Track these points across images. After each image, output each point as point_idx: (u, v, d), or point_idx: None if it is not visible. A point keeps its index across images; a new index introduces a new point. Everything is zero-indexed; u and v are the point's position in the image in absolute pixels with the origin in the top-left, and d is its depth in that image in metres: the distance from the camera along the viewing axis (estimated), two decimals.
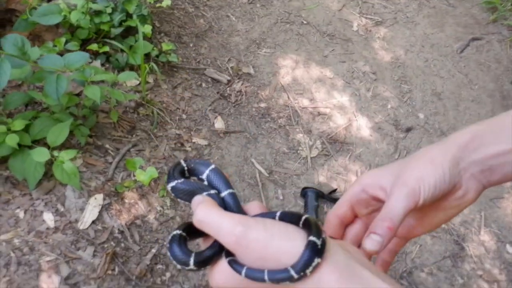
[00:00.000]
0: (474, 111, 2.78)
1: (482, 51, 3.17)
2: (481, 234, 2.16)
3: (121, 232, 1.75)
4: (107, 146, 1.94)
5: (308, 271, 0.52)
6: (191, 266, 0.58)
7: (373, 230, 0.65)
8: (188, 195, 0.63)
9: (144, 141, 2.04)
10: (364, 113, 2.61)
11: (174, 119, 2.20)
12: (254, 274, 0.54)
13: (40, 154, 1.60)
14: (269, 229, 0.55)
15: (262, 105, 2.47)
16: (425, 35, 3.23)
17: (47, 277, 1.56)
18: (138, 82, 2.20)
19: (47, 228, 1.65)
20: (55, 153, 1.65)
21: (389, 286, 0.53)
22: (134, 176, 1.85)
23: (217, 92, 2.43)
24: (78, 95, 2.01)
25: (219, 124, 2.30)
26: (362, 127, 2.53)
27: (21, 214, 1.65)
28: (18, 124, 1.66)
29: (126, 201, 1.83)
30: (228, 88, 2.48)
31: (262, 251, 0.54)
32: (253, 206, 0.64)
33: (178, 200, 0.67)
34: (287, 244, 0.54)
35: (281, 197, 2.12)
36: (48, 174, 1.75)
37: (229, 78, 2.51)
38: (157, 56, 2.33)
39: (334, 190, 2.18)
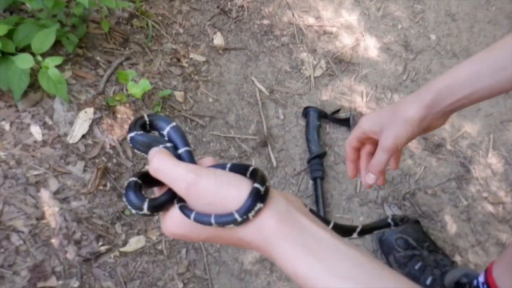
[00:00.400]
0: (489, 32, 2.62)
1: None
2: (489, 156, 2.07)
3: (113, 147, 1.67)
4: (98, 58, 1.83)
5: (250, 214, 0.57)
6: (145, 211, 0.62)
7: (370, 170, 1.01)
8: (146, 147, 0.67)
9: (138, 54, 1.93)
10: (373, 33, 2.46)
11: (171, 33, 2.07)
12: (201, 218, 0.59)
13: (24, 61, 1.50)
14: (218, 178, 0.60)
15: (265, 22, 2.33)
16: None
17: (36, 191, 1.50)
18: None
19: (35, 142, 1.58)
20: (40, 58, 1.54)
21: (322, 230, 0.59)
22: (126, 90, 1.75)
23: (217, 7, 2.28)
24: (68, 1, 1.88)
25: (218, 40, 2.17)
26: (370, 47, 2.39)
27: (7, 127, 1.57)
28: (1, 29, 1.54)
29: (118, 116, 1.75)
30: (229, 3, 2.32)
31: (210, 198, 0.59)
32: (206, 160, 0.68)
33: (136, 151, 0.69)
34: (234, 192, 0.59)
35: (281, 117, 2.03)
36: (35, 86, 1.66)
37: None
38: None
39: (338, 110, 2.08)
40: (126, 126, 1.73)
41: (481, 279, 1.43)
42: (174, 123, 0.70)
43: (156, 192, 0.68)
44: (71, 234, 1.45)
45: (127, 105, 1.77)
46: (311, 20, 2.42)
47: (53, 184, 1.53)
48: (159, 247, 1.56)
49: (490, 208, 1.92)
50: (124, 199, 0.69)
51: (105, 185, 1.59)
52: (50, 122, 1.62)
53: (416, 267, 1.65)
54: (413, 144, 2.06)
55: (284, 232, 0.58)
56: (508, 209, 1.92)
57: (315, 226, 0.59)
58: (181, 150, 0.68)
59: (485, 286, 1.41)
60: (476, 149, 2.09)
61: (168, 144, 0.67)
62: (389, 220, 0.99)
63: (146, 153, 0.67)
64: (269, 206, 0.59)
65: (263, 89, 2.09)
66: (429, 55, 2.44)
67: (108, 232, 1.51)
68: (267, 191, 0.59)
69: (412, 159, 2.01)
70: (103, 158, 1.64)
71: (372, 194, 1.88)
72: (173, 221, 0.63)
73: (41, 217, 1.46)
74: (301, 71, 2.21)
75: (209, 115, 1.93)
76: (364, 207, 1.87)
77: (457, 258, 1.81)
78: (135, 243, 1.52)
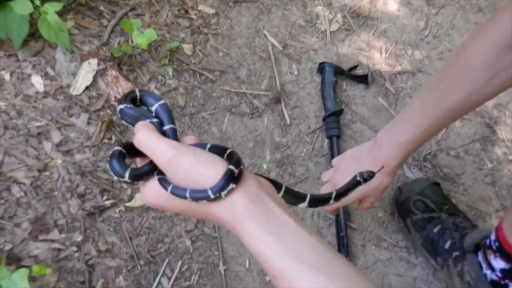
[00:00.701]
0: None
1: None
2: None
3: (118, 100, 1.59)
4: (102, 8, 1.74)
5: (223, 193, 0.63)
6: (126, 178, 0.67)
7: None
8: (133, 120, 0.71)
9: (144, 5, 1.83)
10: None
11: None
12: (178, 191, 0.64)
13: (22, 6, 1.41)
14: (197, 157, 0.65)
15: None
16: None
17: (37, 142, 1.44)
18: None
19: (36, 92, 1.51)
20: (38, 3, 1.46)
21: (288, 215, 0.64)
22: (132, 41, 1.66)
23: None
24: None
25: None
26: (389, 1, 2.26)
27: (7, 77, 1.50)
28: None
29: (124, 67, 1.66)
30: None
31: (188, 174, 0.64)
32: (188, 139, 0.71)
33: (123, 122, 0.73)
34: (210, 171, 0.64)
35: (295, 72, 1.93)
36: (36, 35, 1.58)
37: None
38: None
39: (355, 67, 1.97)
40: (132, 79, 1.65)
41: (493, 237, 1.34)
42: (163, 101, 0.75)
43: (139, 162, 0.72)
44: (74, 187, 1.38)
45: (133, 57, 1.69)
46: None
47: (56, 136, 1.46)
48: None
49: None
50: (107, 166, 0.76)
51: (110, 138, 1.51)
52: (52, 73, 1.55)
53: (435, 230, 1.56)
54: None
55: (251, 213, 0.63)
56: None
57: (281, 211, 0.64)
58: (166, 127, 0.72)
59: (496, 243, 1.32)
60: (503, 109, 1.97)
61: (155, 120, 0.71)
62: (358, 178, 1.01)
63: (133, 125, 0.70)
64: (241, 187, 0.64)
65: (276, 43, 1.98)
66: (452, 9, 2.31)
67: (113, 186, 1.44)
68: (240, 173, 0.64)
69: None
70: (108, 111, 1.57)
71: None
72: (151, 191, 0.67)
73: (43, 169, 1.39)
74: (316, 25, 2.10)
75: (219, 69, 1.84)
76: None
77: (480, 223, 1.71)
78: (141, 202, 1.45)
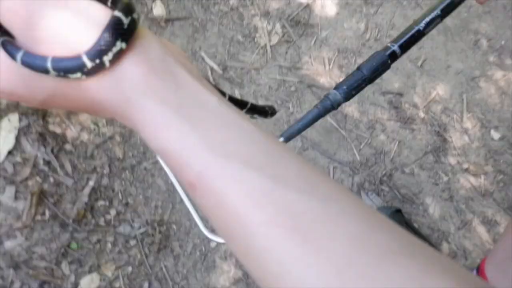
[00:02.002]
0: None
1: None
2: (464, 121, 1.95)
3: (48, 162, 1.41)
4: None
5: (106, 58, 0.39)
6: None
7: None
8: None
9: None
10: None
11: None
12: (33, 61, 0.39)
13: None
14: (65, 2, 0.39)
15: None
16: None
17: None
18: None
19: None
20: None
21: (208, 92, 0.40)
22: None
23: None
24: None
25: (158, 10, 1.87)
26: (327, 3, 2.15)
27: None
28: None
29: (50, 120, 1.47)
30: None
31: (50, 30, 0.39)
32: None
33: None
34: (83, 23, 0.39)
35: None
36: None
37: None
38: None
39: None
40: (61, 133, 1.46)
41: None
42: None
43: None
44: (8, 286, 1.21)
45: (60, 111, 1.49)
46: None
47: None
48: (117, 285, 1.35)
49: (472, 180, 1.82)
50: None
51: (43, 214, 1.34)
52: None
53: None
54: (384, 116, 1.90)
55: (153, 87, 0.39)
56: (490, 179, 1.82)
57: (199, 86, 0.40)
58: None
59: None
60: (450, 114, 1.96)
61: None
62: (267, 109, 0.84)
63: None
64: (136, 49, 0.40)
65: (215, 66, 1.83)
66: (390, 7, 2.24)
67: (54, 275, 1.28)
68: (133, 25, 0.40)
69: (384, 133, 1.86)
70: (37, 178, 1.38)
71: (347, 181, 1.72)
72: None
73: None
74: (255, 39, 1.96)
75: None
76: None
77: (445, 246, 1.71)
78: (88, 283, 1.30)
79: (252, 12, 2.02)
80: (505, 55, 2.15)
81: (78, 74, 0.39)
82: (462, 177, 1.83)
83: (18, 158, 1.38)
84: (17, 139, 1.40)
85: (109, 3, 0.41)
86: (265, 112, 0.68)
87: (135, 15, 0.41)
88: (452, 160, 1.86)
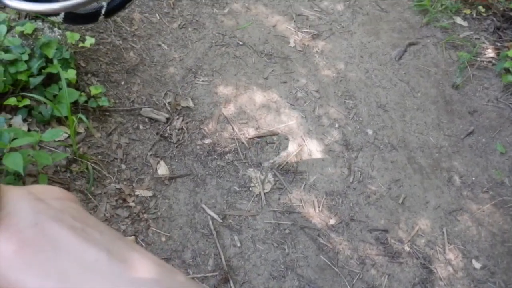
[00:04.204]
0: (420, 120, 2.75)
1: (420, 56, 3.16)
2: (446, 252, 2.11)
3: None
4: None
5: None
6: None
7: None
8: None
9: (81, 203, 1.83)
10: (313, 136, 2.51)
11: (113, 171, 2.00)
12: None
13: None
14: None
15: (207, 141, 2.32)
16: (362, 45, 3.17)
17: None
18: (66, 135, 1.99)
19: None
20: None
21: (98, 250, 0.38)
22: None
23: (157, 133, 2.25)
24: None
25: (162, 170, 2.12)
26: (313, 151, 2.43)
27: None
28: None
29: None
30: (168, 127, 2.30)
31: None
32: None
33: None
34: None
35: (238, 244, 1.98)
36: None
37: (167, 115, 2.34)
38: (86, 101, 2.12)
39: None
40: None
41: None
42: None
43: None
44: None
45: None
46: (251, 131, 2.44)
47: None
48: None
49: None
50: None
51: None
52: None
53: None
54: (373, 252, 2.06)
55: (27, 262, 0.36)
56: None
57: (84, 243, 0.38)
58: None
59: None
60: (433, 246, 2.12)
61: None
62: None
63: None
64: (3, 220, 0.38)
65: (215, 216, 2.04)
66: (369, 151, 2.51)
67: None
68: None
69: (374, 268, 2.01)
70: None
71: None
72: None
73: None
74: (250, 188, 2.19)
75: (163, 256, 1.85)
76: None
77: None
78: None
79: (246, 165, 2.28)
80: (477, 190, 2.37)
81: None
82: None
83: None
84: None
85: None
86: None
87: None
88: None
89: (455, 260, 2.08)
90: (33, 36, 2.05)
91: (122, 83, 2.40)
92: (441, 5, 3.46)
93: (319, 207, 2.18)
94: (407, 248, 2.09)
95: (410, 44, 3.23)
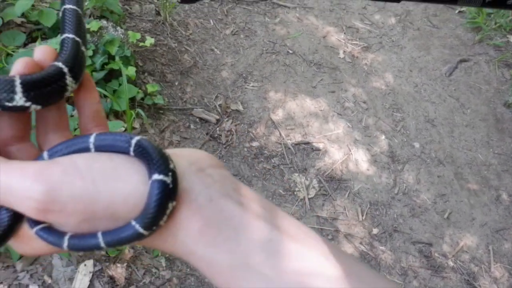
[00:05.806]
0: (469, 136, 2.72)
1: (471, 73, 3.13)
2: (492, 270, 2.07)
3: None
4: None
5: (162, 222, 0.38)
6: None
7: None
8: None
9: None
10: (359, 146, 2.52)
11: None
12: (85, 243, 0.38)
13: None
14: (87, 176, 0.37)
15: (254, 144, 2.36)
16: (412, 59, 3.17)
17: None
18: (124, 129, 2.07)
19: None
20: None
21: (270, 229, 0.40)
22: None
23: (207, 133, 2.32)
24: None
25: None
26: (359, 161, 2.44)
27: None
28: None
29: (119, 265, 1.69)
30: (217, 128, 2.36)
31: (87, 210, 0.37)
32: (50, 119, 0.43)
33: None
34: (120, 187, 0.38)
35: None
36: None
37: (218, 117, 2.40)
38: (142, 99, 2.21)
39: None
40: (127, 276, 1.67)
41: None
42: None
43: None
44: None
45: (126, 251, 1.72)
46: (298, 137, 2.47)
47: None
48: None
49: None
50: None
51: None
52: (49, 281, 1.56)
53: None
54: (415, 264, 2.05)
55: (211, 242, 0.39)
56: None
57: (250, 216, 0.40)
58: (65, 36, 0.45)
59: None
60: (478, 263, 2.09)
61: None
62: None
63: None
64: (185, 200, 0.39)
65: None
66: (416, 164, 2.50)
67: None
68: (175, 178, 0.38)
69: (416, 280, 1.99)
70: None
71: None
72: (34, 245, 0.40)
73: None
74: (295, 193, 2.22)
75: None
76: None
77: None
78: None
79: (292, 170, 2.31)
80: None
81: (135, 242, 0.39)
82: None
83: None
84: (91, 281, 1.61)
85: (131, 152, 0.39)
86: None
87: (172, 166, 0.39)
88: None
89: (501, 279, 2.05)
90: (98, 33, 2.15)
91: (176, 83, 2.49)
92: (495, 23, 3.42)
93: (362, 216, 2.19)
94: (451, 263, 2.07)
95: (462, 61, 3.20)
